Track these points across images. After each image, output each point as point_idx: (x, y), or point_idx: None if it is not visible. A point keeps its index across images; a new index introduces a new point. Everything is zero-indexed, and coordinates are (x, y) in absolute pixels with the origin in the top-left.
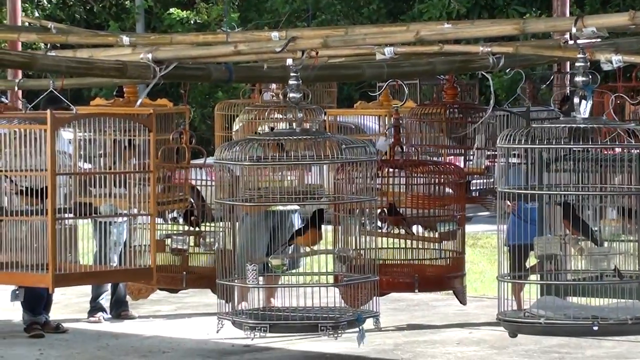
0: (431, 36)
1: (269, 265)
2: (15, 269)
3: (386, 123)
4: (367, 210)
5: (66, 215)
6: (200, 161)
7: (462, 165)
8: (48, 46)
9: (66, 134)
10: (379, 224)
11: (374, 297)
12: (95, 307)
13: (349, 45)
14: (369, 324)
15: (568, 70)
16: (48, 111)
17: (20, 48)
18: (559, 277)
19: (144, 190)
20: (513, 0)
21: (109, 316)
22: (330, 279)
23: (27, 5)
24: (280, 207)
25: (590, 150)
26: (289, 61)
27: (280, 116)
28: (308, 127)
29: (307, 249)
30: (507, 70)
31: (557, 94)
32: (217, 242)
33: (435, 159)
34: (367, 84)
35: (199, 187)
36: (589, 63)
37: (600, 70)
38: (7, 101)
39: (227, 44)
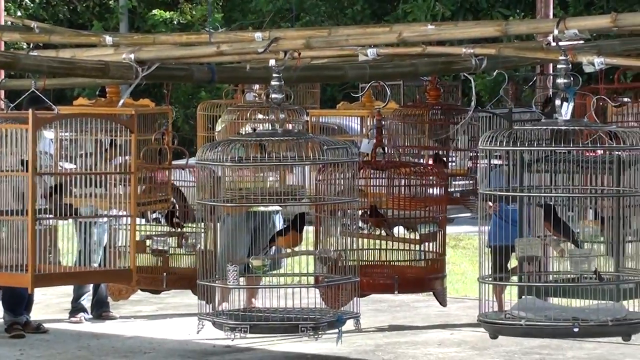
0: (414, 37)
1: (250, 266)
2: None
3: (368, 124)
4: (349, 211)
5: (46, 216)
6: (182, 162)
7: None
8: (31, 46)
9: (48, 133)
10: (361, 225)
11: (355, 298)
12: (76, 308)
13: (331, 46)
14: (349, 324)
15: (551, 72)
16: (30, 111)
17: (2, 48)
18: (539, 279)
19: (125, 190)
20: (497, 2)
21: (90, 316)
22: (311, 280)
23: (10, 4)
24: (262, 208)
25: (572, 152)
26: (272, 62)
27: (263, 117)
28: (290, 128)
29: (289, 250)
30: (491, 72)
31: (540, 95)
32: (199, 243)
33: (417, 160)
34: (350, 85)
35: (181, 188)
36: (570, 65)
37: (582, 72)
38: None
39: (209, 44)
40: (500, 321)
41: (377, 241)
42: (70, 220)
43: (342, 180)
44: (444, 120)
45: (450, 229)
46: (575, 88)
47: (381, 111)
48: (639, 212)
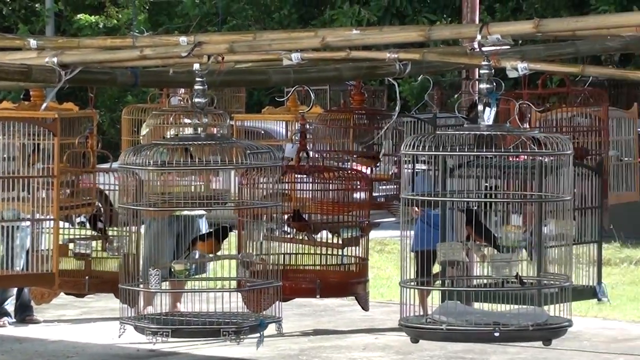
0: (338, 42)
1: (172, 270)
2: None
3: (293, 128)
4: (273, 215)
5: None
6: (107, 165)
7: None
8: None
9: None
10: (286, 229)
11: (277, 302)
12: None
13: (255, 50)
14: (271, 329)
15: (477, 77)
16: None
17: None
18: (461, 283)
19: (48, 194)
20: (424, 8)
21: (14, 320)
22: (234, 284)
23: None
24: (186, 212)
25: (495, 157)
26: (196, 66)
27: (188, 121)
28: (214, 132)
29: (211, 255)
30: (416, 77)
31: (465, 100)
32: (123, 247)
33: (342, 164)
34: (276, 89)
35: (106, 192)
36: (493, 70)
37: (507, 77)
38: None
39: (133, 48)
40: (421, 325)
41: (300, 245)
42: None
43: (265, 185)
44: (369, 125)
45: (376, 234)
46: (498, 93)
47: (305, 115)
48: (560, 217)
